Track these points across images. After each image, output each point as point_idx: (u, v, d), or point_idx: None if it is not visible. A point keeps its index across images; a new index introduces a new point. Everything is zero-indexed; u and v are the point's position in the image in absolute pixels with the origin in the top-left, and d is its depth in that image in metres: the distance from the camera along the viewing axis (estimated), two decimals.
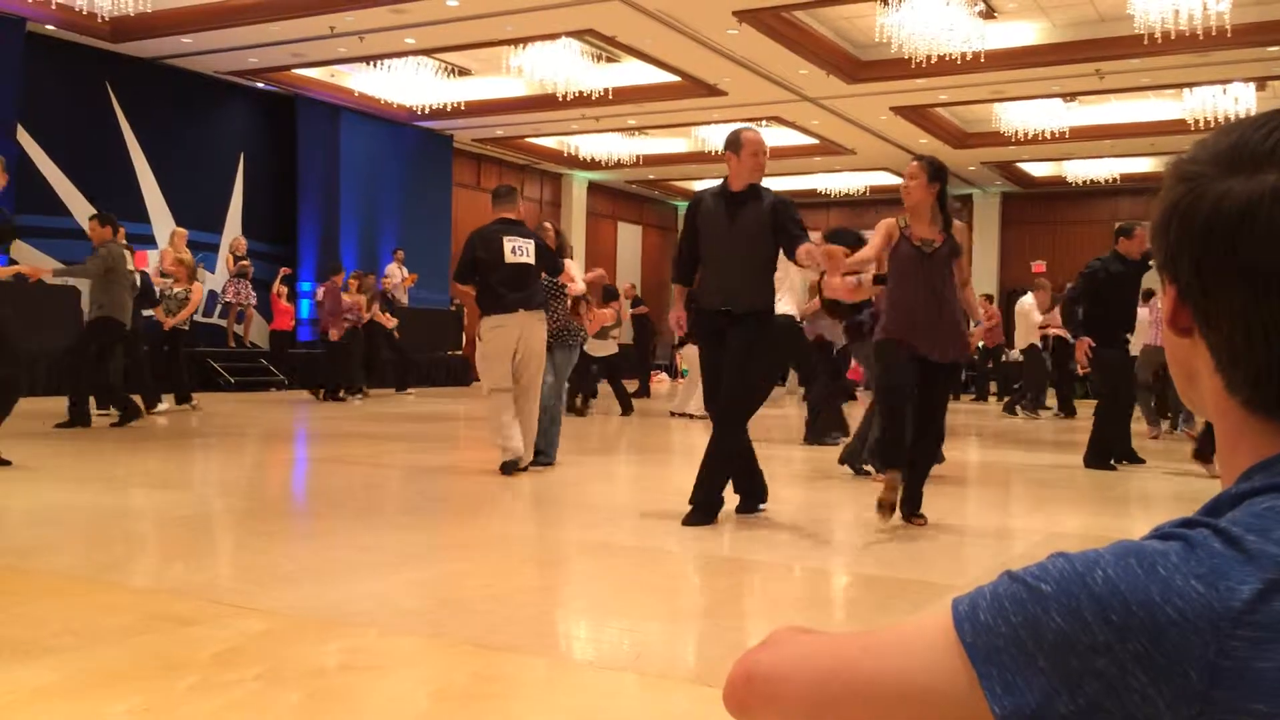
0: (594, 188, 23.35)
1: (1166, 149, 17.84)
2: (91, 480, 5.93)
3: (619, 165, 20.53)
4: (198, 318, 12.20)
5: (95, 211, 9.89)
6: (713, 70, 14.59)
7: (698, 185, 21.45)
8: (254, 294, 15.22)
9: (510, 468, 6.39)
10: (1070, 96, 15.78)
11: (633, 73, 15.21)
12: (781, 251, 4.96)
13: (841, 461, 6.89)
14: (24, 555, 3.97)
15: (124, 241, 9.20)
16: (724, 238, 5.02)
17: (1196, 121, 15.20)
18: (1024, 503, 6.25)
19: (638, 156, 20.06)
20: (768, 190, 5.11)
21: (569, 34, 13.44)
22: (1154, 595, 0.60)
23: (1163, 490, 6.85)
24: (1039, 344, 13.10)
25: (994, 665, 0.62)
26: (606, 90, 15.02)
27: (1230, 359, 0.68)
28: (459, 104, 16.43)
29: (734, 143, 5.12)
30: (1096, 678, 0.60)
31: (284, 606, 3.26)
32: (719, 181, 5.28)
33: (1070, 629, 0.60)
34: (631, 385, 16.83)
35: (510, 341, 6.44)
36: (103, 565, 3.88)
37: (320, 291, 13.69)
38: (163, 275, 12.90)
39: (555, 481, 6.63)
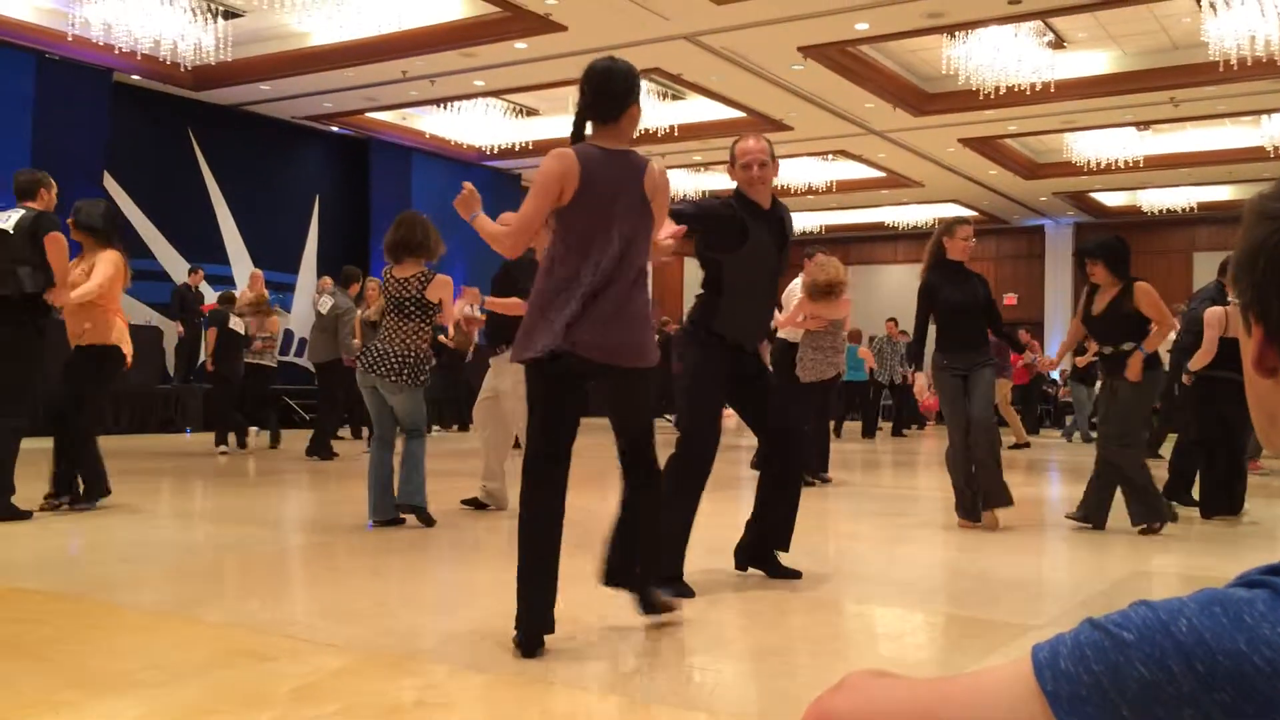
0: None
1: (1245, 176, 17.43)
2: (176, 516, 6.07)
3: (685, 201, 20.61)
4: (280, 356, 12.39)
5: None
6: (778, 105, 14.62)
7: None
8: None
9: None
10: (1144, 125, 15.51)
11: (698, 109, 15.29)
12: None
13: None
14: (112, 590, 4.08)
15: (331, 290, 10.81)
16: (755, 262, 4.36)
17: (1276, 148, 14.83)
18: (1104, 541, 6.08)
19: (704, 192, 20.09)
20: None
21: None
22: (1240, 644, 0.59)
23: (1248, 530, 6.63)
24: None
25: (1076, 714, 0.62)
26: (672, 127, 15.10)
27: None
28: (527, 143, 16.65)
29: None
30: None
31: (358, 642, 3.30)
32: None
33: (1154, 678, 0.60)
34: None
35: None
36: (185, 600, 3.96)
37: None
38: (238, 315, 13.23)
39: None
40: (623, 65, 3.43)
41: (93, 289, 6.00)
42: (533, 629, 3.20)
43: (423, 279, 5.74)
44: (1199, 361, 6.78)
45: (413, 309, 5.74)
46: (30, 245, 5.71)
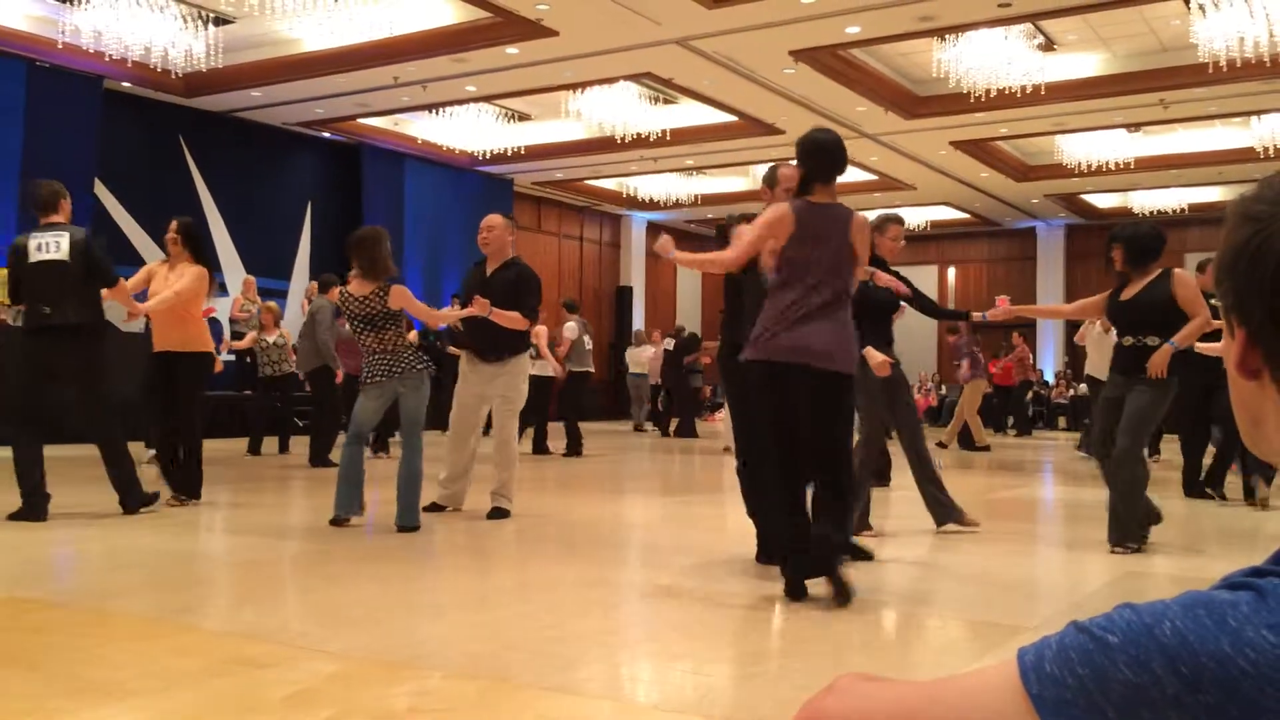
0: (653, 228, 23.49)
1: (1235, 178, 17.49)
2: (170, 523, 6.05)
3: (678, 205, 20.64)
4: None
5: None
6: (770, 109, 14.64)
7: None
8: None
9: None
10: (1134, 127, 15.56)
11: (690, 114, 15.32)
12: None
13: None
14: (106, 598, 4.07)
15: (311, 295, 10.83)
16: None
17: (1266, 149, 14.88)
18: (1095, 542, 6.10)
19: (696, 196, 20.14)
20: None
21: (626, 77, 13.60)
22: (1225, 646, 0.59)
23: (1239, 532, 6.65)
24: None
25: (1063, 718, 0.62)
26: (664, 132, 15.14)
27: None
28: (519, 148, 16.67)
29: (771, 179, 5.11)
30: None
31: (352, 649, 3.29)
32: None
33: (1139, 681, 0.60)
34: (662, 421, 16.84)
35: None
36: (179, 608, 3.96)
37: None
38: (231, 322, 13.21)
39: (610, 522, 6.63)
40: (835, 137, 4.35)
41: (169, 297, 6.38)
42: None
43: (381, 292, 5.92)
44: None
45: (384, 320, 5.94)
46: (82, 270, 5.88)
